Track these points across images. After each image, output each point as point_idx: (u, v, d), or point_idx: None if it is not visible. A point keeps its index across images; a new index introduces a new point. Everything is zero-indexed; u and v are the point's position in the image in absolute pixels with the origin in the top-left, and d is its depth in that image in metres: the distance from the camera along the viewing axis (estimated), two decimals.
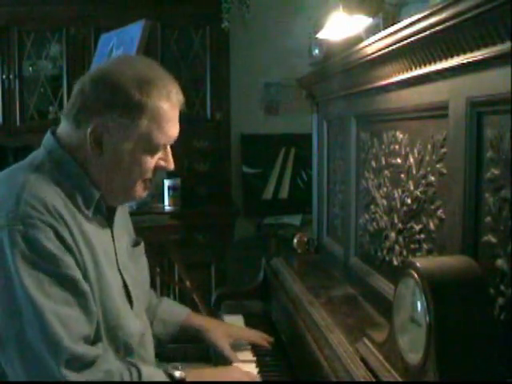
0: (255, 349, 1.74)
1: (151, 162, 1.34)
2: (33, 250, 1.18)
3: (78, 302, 1.22)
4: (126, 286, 1.39)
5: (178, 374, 1.37)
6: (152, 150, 1.33)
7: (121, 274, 1.39)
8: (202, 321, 1.74)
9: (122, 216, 1.51)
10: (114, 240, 1.40)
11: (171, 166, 1.38)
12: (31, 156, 1.35)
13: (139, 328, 1.40)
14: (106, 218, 1.38)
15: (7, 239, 1.18)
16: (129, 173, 1.33)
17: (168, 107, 1.32)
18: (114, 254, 1.39)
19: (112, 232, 1.40)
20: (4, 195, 1.25)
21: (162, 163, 1.37)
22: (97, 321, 1.27)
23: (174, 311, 1.71)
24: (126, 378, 1.25)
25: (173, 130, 1.35)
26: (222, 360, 1.67)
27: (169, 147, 1.38)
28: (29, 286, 1.16)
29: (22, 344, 1.18)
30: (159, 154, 1.35)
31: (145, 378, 1.27)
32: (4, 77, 3.76)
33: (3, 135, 3.76)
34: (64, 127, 1.35)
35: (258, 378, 1.56)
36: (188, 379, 1.37)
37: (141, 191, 1.37)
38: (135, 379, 1.26)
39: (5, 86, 3.77)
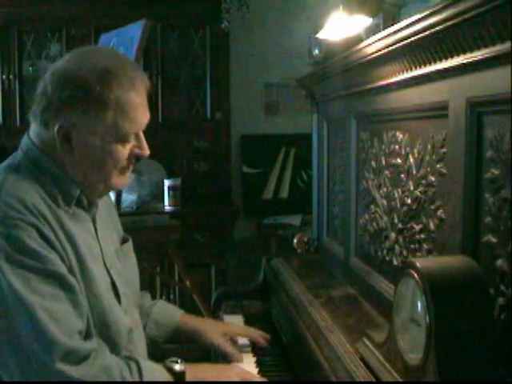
0: (255, 349, 1.74)
1: (123, 151, 1.33)
2: (16, 250, 1.18)
3: (67, 297, 1.21)
4: (113, 282, 1.38)
5: (177, 367, 1.36)
6: (122, 139, 1.31)
7: (107, 270, 1.38)
8: (195, 322, 1.72)
9: (107, 214, 1.50)
10: (98, 237, 1.39)
11: (146, 152, 1.37)
12: (9, 158, 1.35)
13: (127, 324, 1.39)
14: (89, 214, 1.38)
15: None
16: (102, 165, 1.32)
17: (132, 95, 1.30)
18: (100, 251, 1.38)
19: (96, 229, 1.39)
20: None
21: (137, 151, 1.36)
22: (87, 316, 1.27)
23: (167, 313, 1.70)
24: (126, 373, 1.25)
25: (141, 116, 1.33)
26: (222, 360, 1.67)
27: (141, 134, 1.36)
28: (16, 286, 1.16)
29: (15, 345, 1.17)
30: (132, 143, 1.34)
31: (144, 372, 1.27)
32: (4, 77, 3.77)
33: (3, 135, 3.76)
34: (34, 128, 1.34)
35: (257, 377, 1.56)
36: (187, 373, 1.37)
37: (119, 181, 1.37)
38: (135, 373, 1.26)
39: (5, 85, 3.78)
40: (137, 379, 1.26)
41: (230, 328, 1.78)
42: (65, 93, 1.27)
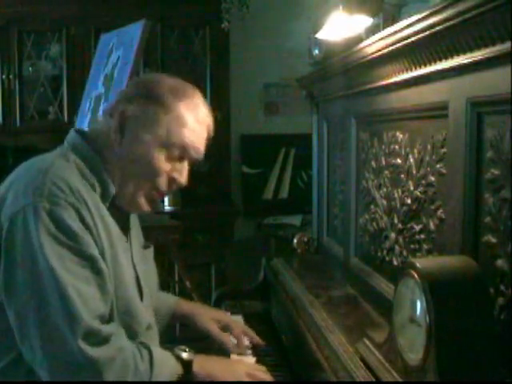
0: (255, 349, 1.74)
1: (163, 166, 1.36)
2: (57, 227, 1.22)
3: (95, 281, 1.25)
4: (138, 279, 1.43)
5: (185, 355, 1.39)
6: (167, 149, 1.35)
7: (134, 265, 1.43)
8: (190, 306, 1.76)
9: (134, 219, 1.55)
10: (129, 234, 1.45)
11: (183, 180, 1.41)
12: (54, 151, 1.40)
13: (148, 319, 1.43)
14: (122, 212, 1.42)
15: (32, 215, 1.21)
16: (141, 168, 1.35)
17: (193, 119, 1.37)
18: (129, 246, 1.43)
19: (127, 227, 1.45)
20: (30, 176, 1.29)
21: (176, 175, 1.39)
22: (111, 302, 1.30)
23: (164, 299, 1.73)
24: (138, 358, 1.28)
25: (193, 141, 1.37)
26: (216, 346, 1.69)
27: (187, 164, 1.41)
28: (52, 260, 1.20)
29: (41, 316, 1.20)
30: (175, 164, 1.38)
31: (155, 359, 1.31)
32: (4, 77, 3.77)
33: (3, 135, 3.75)
34: (97, 122, 1.45)
35: (265, 371, 1.55)
36: (194, 363, 1.40)
37: (143, 203, 1.39)
38: (145, 358, 1.30)
39: (5, 86, 3.77)
40: (147, 365, 1.29)
41: (222, 316, 1.80)
42: (137, 90, 1.39)
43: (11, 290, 1.23)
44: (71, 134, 1.41)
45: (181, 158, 1.39)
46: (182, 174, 1.40)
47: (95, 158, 1.36)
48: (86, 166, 1.34)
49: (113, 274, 1.31)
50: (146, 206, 1.40)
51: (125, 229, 1.43)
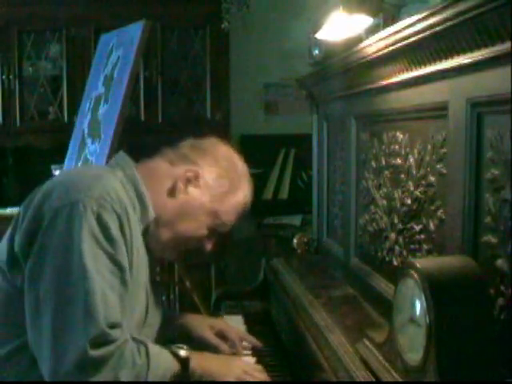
0: (255, 349, 1.74)
1: (204, 230, 1.50)
2: (99, 229, 1.26)
3: (119, 291, 1.29)
4: (147, 307, 1.47)
5: (182, 352, 1.41)
6: (215, 219, 1.50)
7: (146, 294, 1.47)
8: (183, 317, 1.77)
9: None
10: (149, 263, 1.49)
11: (209, 246, 1.55)
12: (100, 165, 1.45)
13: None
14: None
15: (79, 212, 1.25)
16: (186, 223, 1.47)
17: (243, 203, 1.58)
18: (147, 276, 1.48)
19: (150, 257, 1.49)
20: (82, 177, 1.37)
21: (205, 242, 1.54)
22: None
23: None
24: (135, 354, 1.30)
25: (234, 220, 1.56)
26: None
27: (215, 235, 1.54)
28: (87, 257, 1.23)
29: (60, 306, 1.22)
30: (208, 233, 1.52)
31: (152, 355, 1.32)
32: (4, 77, 3.76)
33: (3, 135, 3.75)
34: (155, 160, 1.51)
35: (260, 370, 1.55)
36: (191, 360, 1.41)
37: (174, 254, 1.53)
38: (143, 355, 1.31)
39: (5, 86, 3.77)
40: (144, 359, 1.31)
41: (217, 323, 1.79)
42: (209, 156, 1.51)
43: (37, 275, 1.25)
44: (121, 154, 1.51)
45: (215, 229, 1.53)
46: (210, 243, 1.55)
47: (141, 185, 1.43)
48: (130, 185, 1.41)
49: (131, 289, 1.34)
50: (173, 257, 1.52)
51: (149, 258, 1.48)
